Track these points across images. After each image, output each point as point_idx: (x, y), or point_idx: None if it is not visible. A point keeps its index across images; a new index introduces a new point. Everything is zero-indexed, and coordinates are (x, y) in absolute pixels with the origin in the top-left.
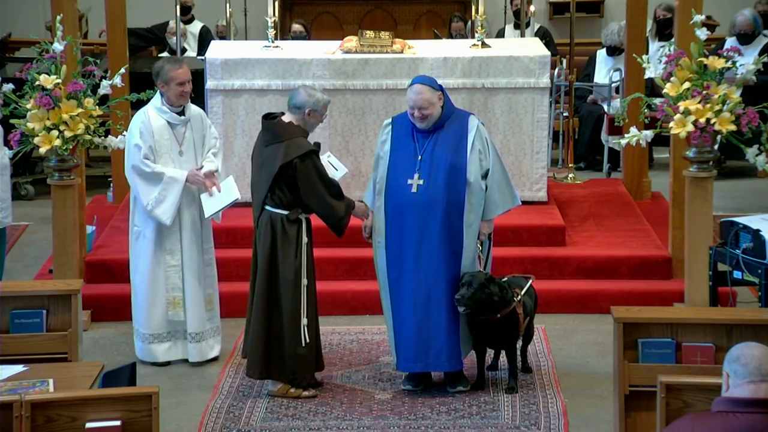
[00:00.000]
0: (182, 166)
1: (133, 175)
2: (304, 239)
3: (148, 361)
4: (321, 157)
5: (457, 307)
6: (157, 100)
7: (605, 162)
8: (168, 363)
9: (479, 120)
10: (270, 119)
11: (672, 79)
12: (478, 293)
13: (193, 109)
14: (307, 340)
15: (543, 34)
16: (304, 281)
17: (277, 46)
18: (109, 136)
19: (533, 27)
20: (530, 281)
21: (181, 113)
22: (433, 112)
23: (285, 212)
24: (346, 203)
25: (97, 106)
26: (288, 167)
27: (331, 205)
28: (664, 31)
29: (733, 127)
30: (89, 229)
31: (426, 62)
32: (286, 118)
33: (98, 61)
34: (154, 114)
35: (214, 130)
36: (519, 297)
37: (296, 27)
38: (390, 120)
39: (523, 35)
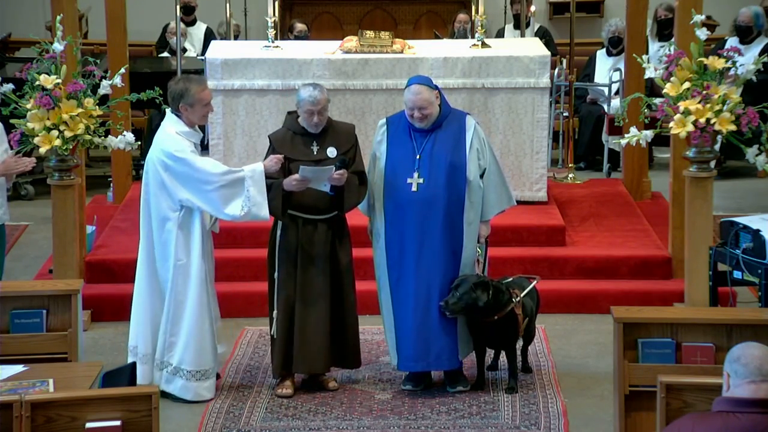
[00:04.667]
0: None
1: (213, 194)
2: (278, 231)
3: (198, 401)
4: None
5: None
6: (178, 124)
7: (605, 162)
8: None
9: (476, 120)
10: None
11: (672, 79)
12: (464, 298)
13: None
14: (274, 334)
15: (543, 34)
16: (276, 274)
17: (277, 46)
18: (109, 136)
19: (533, 27)
20: (533, 283)
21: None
22: (433, 111)
23: None
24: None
25: (97, 106)
26: None
27: None
28: (664, 31)
29: (733, 127)
30: (89, 229)
31: (426, 62)
32: None
33: (98, 61)
34: (183, 139)
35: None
36: (518, 298)
37: (300, 26)
38: (385, 120)
39: (523, 35)
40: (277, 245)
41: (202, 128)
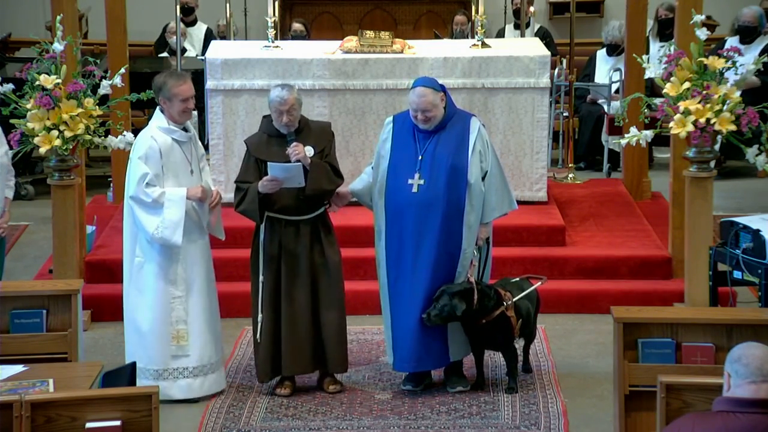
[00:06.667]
0: (195, 185)
1: (133, 204)
2: (261, 236)
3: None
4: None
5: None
6: (159, 119)
7: (605, 162)
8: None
9: (481, 121)
10: None
11: (672, 79)
12: (445, 309)
13: (189, 124)
14: (258, 338)
15: (543, 34)
16: (261, 278)
17: (277, 46)
18: (109, 136)
19: (533, 27)
20: (537, 284)
21: (185, 129)
22: (437, 114)
23: None
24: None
25: (97, 106)
26: None
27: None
28: (665, 30)
29: (733, 127)
30: (89, 229)
31: (426, 62)
32: None
33: (98, 61)
34: (160, 135)
35: (200, 143)
36: (510, 301)
37: (297, 26)
38: (391, 118)
39: (523, 35)
40: (260, 249)
41: (202, 129)
